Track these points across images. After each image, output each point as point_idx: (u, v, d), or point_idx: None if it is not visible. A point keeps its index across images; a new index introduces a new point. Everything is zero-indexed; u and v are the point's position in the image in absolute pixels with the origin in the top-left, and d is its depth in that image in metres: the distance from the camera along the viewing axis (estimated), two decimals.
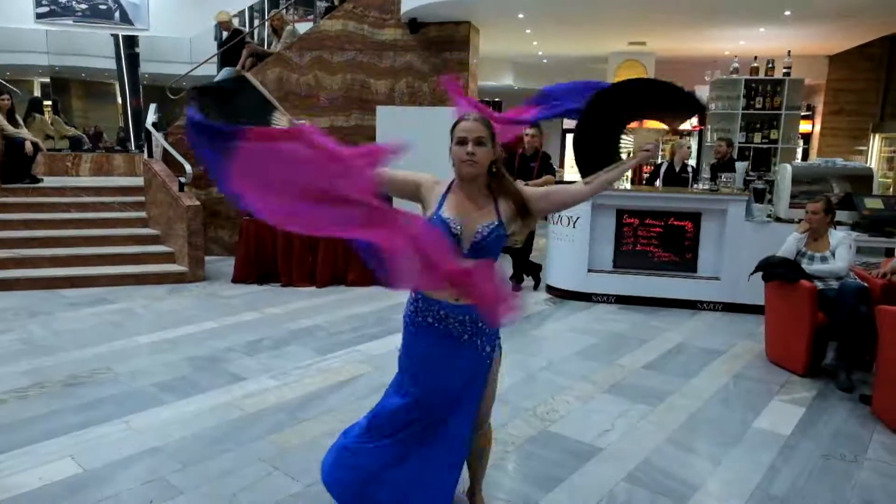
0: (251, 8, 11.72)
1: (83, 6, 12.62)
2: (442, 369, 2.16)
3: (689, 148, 7.09)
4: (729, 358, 4.71)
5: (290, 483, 2.84)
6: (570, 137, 12.55)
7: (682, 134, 10.95)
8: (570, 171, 12.05)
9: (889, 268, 4.32)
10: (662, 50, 10.21)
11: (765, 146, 9.17)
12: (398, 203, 2.18)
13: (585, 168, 2.37)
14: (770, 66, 9.14)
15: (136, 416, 3.47)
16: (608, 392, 3.98)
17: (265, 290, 6.47)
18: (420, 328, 2.17)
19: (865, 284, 4.24)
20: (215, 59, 10.08)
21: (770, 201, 6.08)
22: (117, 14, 12.85)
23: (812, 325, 4.24)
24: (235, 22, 9.67)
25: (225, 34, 9.00)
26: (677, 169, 6.89)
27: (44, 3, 12.33)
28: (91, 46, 12.84)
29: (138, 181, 8.17)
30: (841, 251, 4.35)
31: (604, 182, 2.24)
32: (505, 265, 6.94)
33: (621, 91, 2.45)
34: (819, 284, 4.29)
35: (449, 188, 2.14)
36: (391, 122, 7.55)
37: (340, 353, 4.57)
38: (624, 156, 2.49)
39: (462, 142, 2.05)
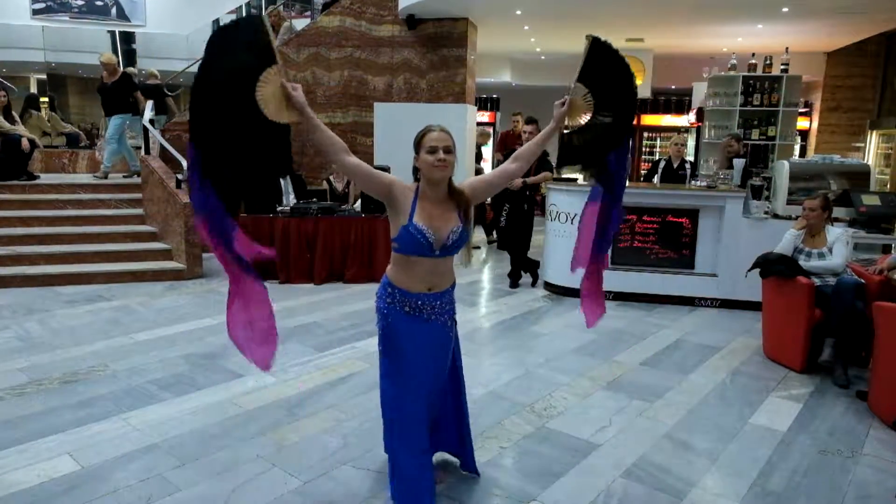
0: (248, 4, 11.70)
1: (80, 2, 12.58)
2: (421, 343, 2.50)
3: (681, 145, 7.03)
4: (726, 354, 4.72)
5: (289, 479, 2.84)
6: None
7: (680, 130, 10.95)
8: (568, 169, 12.00)
9: (886, 264, 4.33)
10: (660, 47, 10.21)
11: (762, 143, 9.18)
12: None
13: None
14: (768, 62, 9.14)
15: (134, 414, 3.47)
16: (606, 388, 3.99)
17: None
18: (397, 315, 2.48)
19: (862, 281, 4.25)
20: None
21: (767, 198, 6.09)
22: (114, 10, 12.82)
23: (809, 321, 4.26)
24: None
25: (108, 78, 8.02)
26: (675, 166, 6.89)
27: None
28: (88, 43, 12.79)
29: (135, 178, 8.16)
30: (838, 248, 4.36)
31: (533, 153, 2.64)
32: (503, 262, 6.94)
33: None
34: (816, 281, 4.31)
35: (416, 195, 2.41)
36: (389, 118, 7.56)
37: (338, 350, 4.57)
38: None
39: (433, 150, 2.35)
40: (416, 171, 2.45)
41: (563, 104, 2.54)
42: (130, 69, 10.18)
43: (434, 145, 2.35)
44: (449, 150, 2.36)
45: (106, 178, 8.02)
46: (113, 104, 8.09)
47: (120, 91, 8.05)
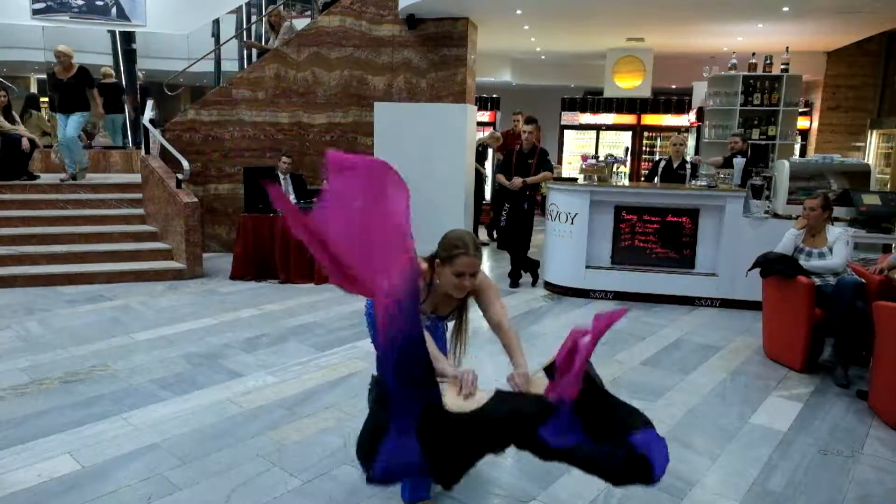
0: (248, 4, 11.69)
1: (80, 2, 12.58)
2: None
3: (680, 145, 7.02)
4: (726, 354, 4.72)
5: (289, 479, 2.84)
6: (567, 134, 12.56)
7: (680, 130, 10.94)
8: (568, 168, 12.03)
9: (886, 264, 4.33)
10: (660, 46, 10.21)
11: (763, 142, 9.17)
12: None
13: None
14: (768, 62, 9.13)
15: (134, 413, 3.48)
16: (606, 388, 3.98)
17: (263, 286, 6.47)
18: None
19: (862, 280, 4.25)
20: (212, 56, 10.03)
21: (768, 197, 6.09)
22: (114, 10, 12.82)
23: (809, 320, 4.26)
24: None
25: (63, 73, 7.57)
26: (675, 165, 6.89)
27: None
28: (88, 42, 12.77)
29: (136, 178, 8.16)
30: (838, 247, 4.36)
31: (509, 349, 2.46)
32: (503, 262, 6.94)
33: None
34: (816, 280, 4.30)
35: (430, 286, 2.46)
36: (389, 118, 7.55)
37: (339, 350, 4.57)
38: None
39: (461, 274, 2.31)
40: (432, 259, 2.42)
41: (519, 378, 2.31)
42: (107, 68, 10.16)
43: (463, 271, 2.31)
44: (475, 275, 2.35)
45: (84, 176, 7.90)
46: (72, 101, 7.64)
47: (79, 87, 7.68)
